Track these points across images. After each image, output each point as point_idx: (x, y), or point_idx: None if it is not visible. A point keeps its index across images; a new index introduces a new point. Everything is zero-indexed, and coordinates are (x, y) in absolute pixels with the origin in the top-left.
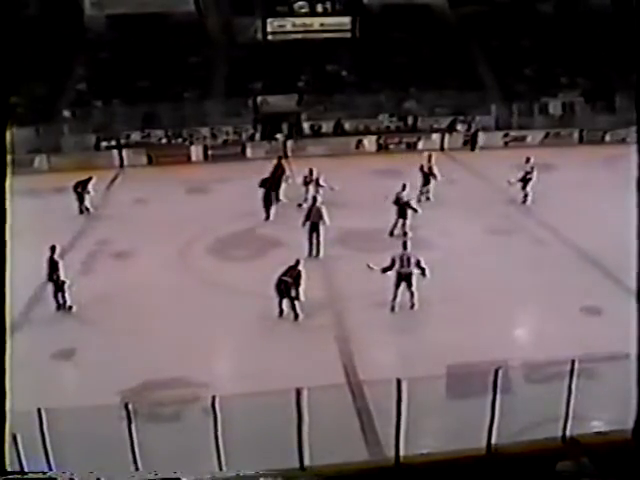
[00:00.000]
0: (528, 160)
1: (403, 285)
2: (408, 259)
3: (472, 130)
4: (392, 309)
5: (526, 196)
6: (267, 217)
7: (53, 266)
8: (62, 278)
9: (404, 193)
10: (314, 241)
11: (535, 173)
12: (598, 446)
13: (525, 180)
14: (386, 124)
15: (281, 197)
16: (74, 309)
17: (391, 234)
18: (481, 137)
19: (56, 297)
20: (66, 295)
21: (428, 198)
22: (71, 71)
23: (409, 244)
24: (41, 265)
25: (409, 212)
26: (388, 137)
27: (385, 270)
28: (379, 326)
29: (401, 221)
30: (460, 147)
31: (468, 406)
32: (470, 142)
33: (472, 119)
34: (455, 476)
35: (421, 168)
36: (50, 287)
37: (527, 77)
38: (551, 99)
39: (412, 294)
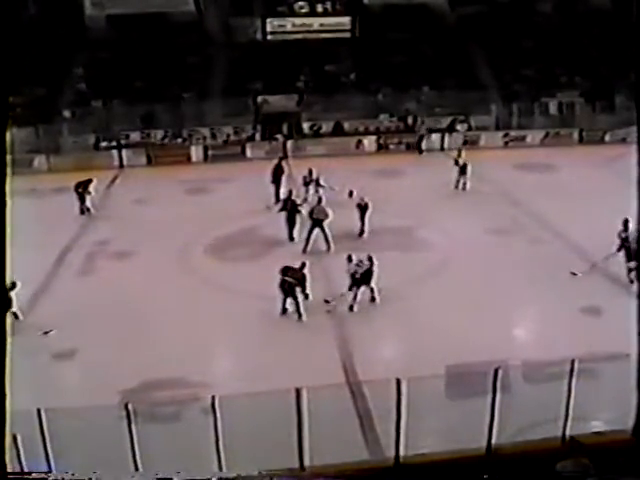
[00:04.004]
0: (460, 154)
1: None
2: (360, 260)
3: (418, 133)
4: (351, 309)
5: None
6: (291, 238)
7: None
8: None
9: (354, 195)
10: (314, 238)
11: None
12: (598, 446)
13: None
14: (386, 124)
15: (281, 198)
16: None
17: (361, 234)
18: (482, 137)
19: None
20: None
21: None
22: (71, 71)
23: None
24: (41, 265)
25: (367, 213)
26: (388, 137)
27: (355, 285)
28: (379, 326)
29: (361, 222)
30: (460, 147)
31: (468, 406)
32: (416, 145)
33: (422, 122)
34: (455, 476)
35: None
36: None
37: (527, 77)
38: (551, 99)
39: (372, 290)
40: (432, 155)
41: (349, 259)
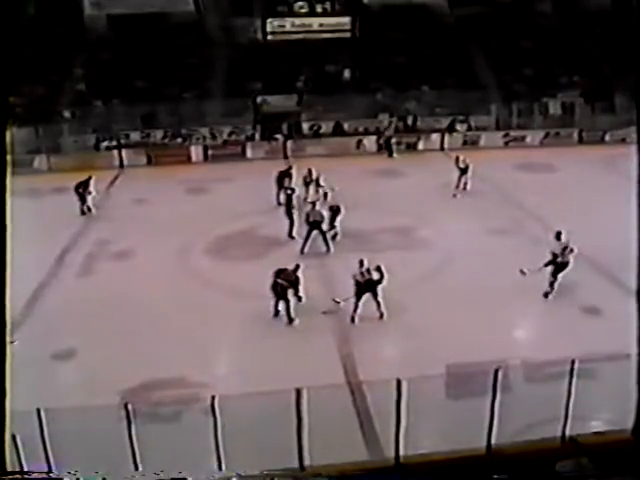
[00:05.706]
0: (458, 160)
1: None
2: (367, 269)
3: (385, 136)
4: (352, 320)
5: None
6: (291, 236)
7: None
8: None
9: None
10: (314, 239)
11: (470, 173)
12: (598, 446)
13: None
14: (386, 124)
15: (281, 200)
16: None
17: (334, 236)
18: (482, 137)
19: None
20: None
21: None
22: (71, 71)
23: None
24: (41, 265)
25: (338, 217)
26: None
27: (357, 294)
28: (379, 326)
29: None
30: (460, 147)
31: (468, 406)
32: (385, 148)
33: (390, 123)
34: (455, 476)
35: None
36: None
37: (527, 77)
38: (551, 99)
39: (379, 304)
40: (432, 155)
41: (361, 264)
